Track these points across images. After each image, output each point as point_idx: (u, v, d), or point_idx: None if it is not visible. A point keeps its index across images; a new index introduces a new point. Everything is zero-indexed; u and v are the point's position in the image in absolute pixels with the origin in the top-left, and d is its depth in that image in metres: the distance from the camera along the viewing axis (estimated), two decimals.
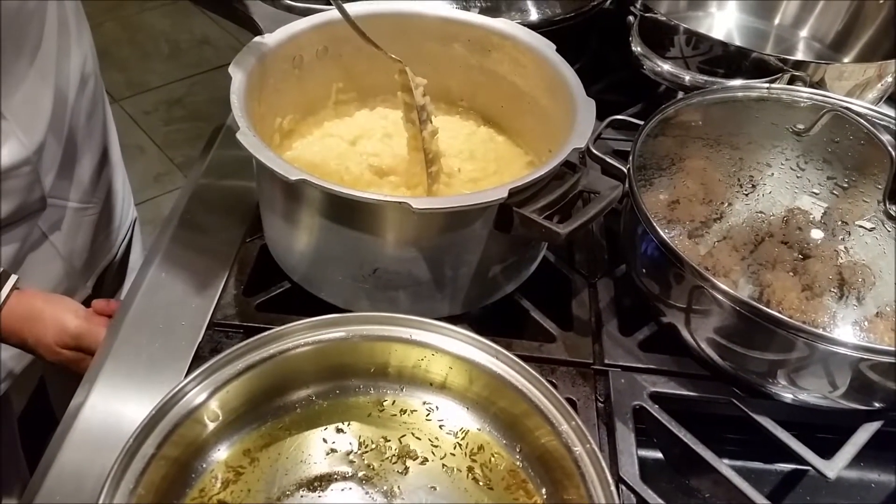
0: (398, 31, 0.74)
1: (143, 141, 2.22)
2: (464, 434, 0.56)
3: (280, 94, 0.70)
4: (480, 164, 0.73)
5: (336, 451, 0.55)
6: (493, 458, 0.55)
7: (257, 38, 0.67)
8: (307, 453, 0.55)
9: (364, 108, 0.79)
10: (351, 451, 0.55)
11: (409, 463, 0.55)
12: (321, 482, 0.53)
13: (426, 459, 0.55)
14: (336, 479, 0.53)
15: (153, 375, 0.61)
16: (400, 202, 0.54)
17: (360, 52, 0.72)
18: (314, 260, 0.65)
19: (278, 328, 0.54)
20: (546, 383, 0.53)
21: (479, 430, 0.57)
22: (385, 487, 0.53)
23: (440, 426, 0.57)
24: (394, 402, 0.58)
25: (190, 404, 0.50)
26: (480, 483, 0.54)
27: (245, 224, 0.74)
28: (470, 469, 0.54)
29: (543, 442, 0.53)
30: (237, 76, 0.62)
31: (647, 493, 0.57)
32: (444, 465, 0.55)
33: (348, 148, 0.74)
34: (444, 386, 0.58)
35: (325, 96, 0.77)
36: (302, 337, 0.54)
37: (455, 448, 0.56)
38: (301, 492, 0.52)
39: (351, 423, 0.56)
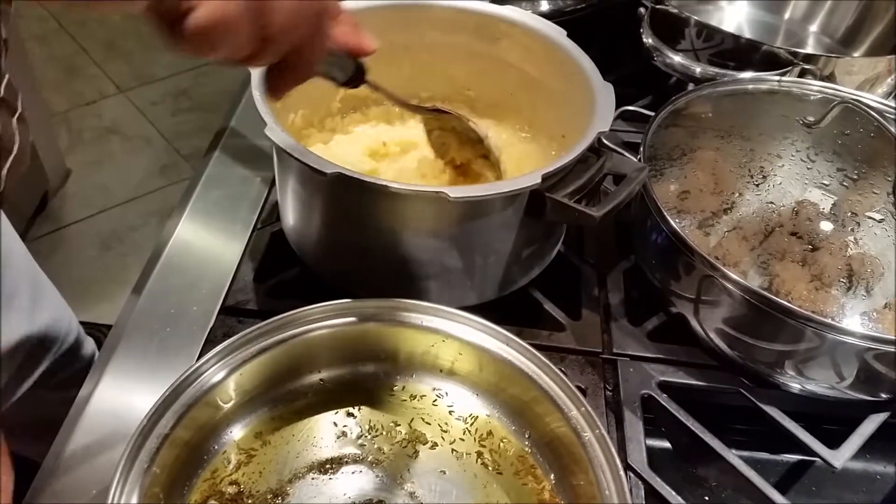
0: (404, 21, 0.74)
1: (149, 132, 2.22)
2: (473, 420, 0.57)
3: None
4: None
5: (346, 435, 0.55)
6: (502, 444, 0.55)
7: None
8: (318, 436, 0.55)
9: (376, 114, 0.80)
10: (361, 435, 0.56)
11: (418, 447, 0.55)
12: (332, 465, 0.54)
13: (436, 444, 0.55)
14: (346, 462, 0.54)
15: (165, 360, 0.62)
16: (437, 192, 0.54)
17: None
18: (344, 254, 0.65)
19: (293, 312, 0.54)
20: (556, 370, 0.54)
21: (489, 416, 0.57)
22: (395, 471, 0.54)
23: (450, 412, 0.57)
24: (404, 387, 0.58)
25: (205, 385, 0.51)
26: (490, 468, 0.54)
27: (255, 212, 0.75)
28: (479, 454, 0.55)
29: (553, 428, 0.53)
30: (256, 71, 0.63)
31: (655, 481, 0.57)
32: (453, 449, 0.55)
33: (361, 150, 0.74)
34: (453, 372, 0.58)
35: (335, 90, 0.77)
36: (316, 321, 0.55)
37: (464, 433, 0.56)
38: (312, 474, 0.53)
39: (361, 407, 0.57)
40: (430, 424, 0.56)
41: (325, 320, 0.55)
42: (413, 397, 0.58)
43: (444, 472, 0.54)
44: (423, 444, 0.55)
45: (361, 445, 0.55)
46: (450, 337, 0.56)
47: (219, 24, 0.34)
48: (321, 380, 0.57)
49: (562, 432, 0.52)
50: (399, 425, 0.56)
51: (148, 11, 0.35)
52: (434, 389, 0.58)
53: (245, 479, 0.52)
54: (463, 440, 0.56)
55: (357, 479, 0.53)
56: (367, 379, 0.58)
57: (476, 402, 0.58)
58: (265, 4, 0.36)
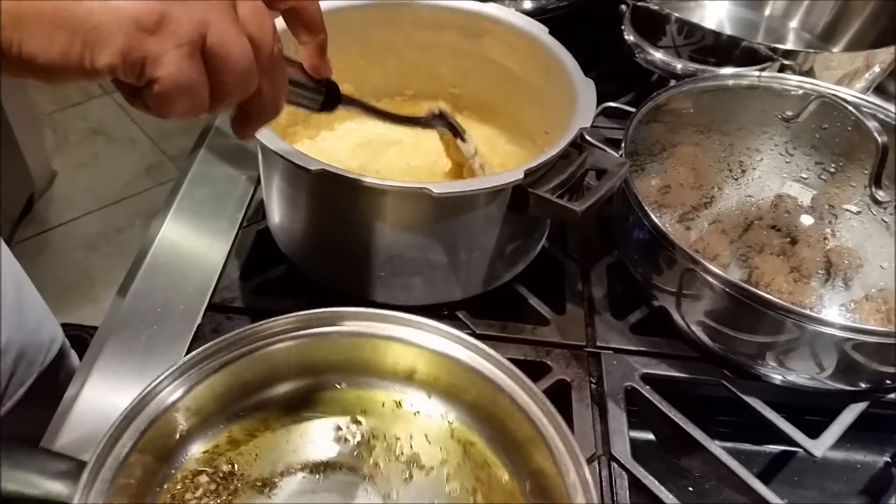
0: (388, 19, 0.75)
1: (134, 133, 2.21)
2: (471, 445, 0.55)
3: None
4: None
5: (348, 441, 0.55)
6: (493, 478, 0.54)
7: None
8: (319, 438, 0.55)
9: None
10: (361, 444, 0.55)
11: (414, 471, 0.54)
12: (325, 469, 0.54)
13: (432, 469, 0.54)
14: (340, 470, 0.54)
15: (152, 358, 0.62)
16: (420, 188, 0.55)
17: (352, 39, 0.73)
18: (330, 252, 0.65)
19: (254, 326, 0.54)
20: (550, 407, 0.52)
21: (486, 444, 0.55)
22: (387, 489, 0.53)
23: (451, 433, 0.56)
24: (412, 403, 0.57)
25: (164, 403, 0.50)
26: None
27: (241, 210, 0.75)
28: (474, 491, 0.54)
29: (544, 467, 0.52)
30: None
31: (639, 471, 0.58)
32: (448, 479, 0.54)
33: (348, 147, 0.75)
34: (450, 393, 0.57)
35: None
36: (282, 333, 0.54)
37: (462, 460, 0.55)
38: (304, 473, 0.53)
39: (368, 416, 0.56)
40: (430, 444, 0.56)
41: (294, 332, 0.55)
42: (417, 413, 0.57)
43: None
44: (420, 469, 0.54)
45: (359, 456, 0.55)
46: (431, 351, 0.56)
47: (180, 92, 0.36)
48: (336, 384, 0.57)
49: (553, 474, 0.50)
50: (400, 439, 0.56)
51: (112, 79, 0.36)
52: (443, 411, 0.57)
53: (241, 458, 0.52)
54: (460, 467, 0.54)
55: (345, 490, 0.53)
56: (377, 389, 0.57)
57: (474, 424, 0.56)
58: (218, 64, 0.37)
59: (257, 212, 0.75)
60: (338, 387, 0.57)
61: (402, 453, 0.55)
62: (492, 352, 0.54)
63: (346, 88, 0.78)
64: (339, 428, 0.56)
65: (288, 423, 0.55)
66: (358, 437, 0.56)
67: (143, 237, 0.73)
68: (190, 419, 0.52)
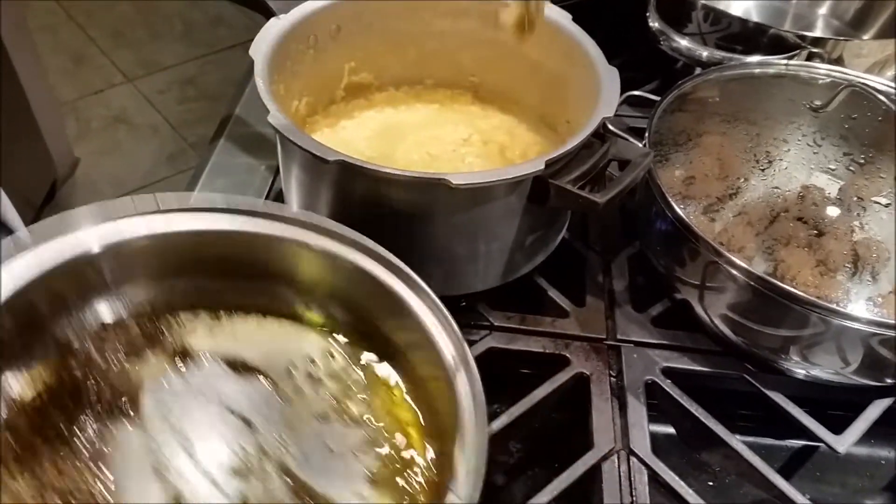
0: (408, 7, 0.74)
1: (156, 120, 2.23)
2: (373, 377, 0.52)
3: (296, 77, 0.70)
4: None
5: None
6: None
7: (273, 19, 0.67)
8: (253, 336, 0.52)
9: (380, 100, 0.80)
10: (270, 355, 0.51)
11: (303, 382, 0.51)
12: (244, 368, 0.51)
13: (319, 380, 0.51)
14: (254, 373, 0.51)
15: None
16: (438, 178, 0.54)
17: (371, 28, 0.73)
18: None
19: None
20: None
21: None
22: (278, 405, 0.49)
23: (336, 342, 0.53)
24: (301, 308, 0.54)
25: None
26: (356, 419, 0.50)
27: (261, 198, 0.75)
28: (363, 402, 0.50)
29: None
30: (259, 59, 0.62)
31: (659, 466, 0.57)
32: (329, 388, 0.51)
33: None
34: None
35: (339, 77, 0.77)
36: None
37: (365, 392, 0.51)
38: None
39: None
40: (334, 358, 0.52)
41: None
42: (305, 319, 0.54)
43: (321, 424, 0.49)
44: (310, 380, 0.51)
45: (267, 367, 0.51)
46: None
47: None
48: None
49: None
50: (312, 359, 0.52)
51: None
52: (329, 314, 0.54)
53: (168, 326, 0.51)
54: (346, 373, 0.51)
55: (246, 391, 0.50)
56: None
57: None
58: None
59: (276, 201, 0.75)
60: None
61: (298, 367, 0.52)
62: (381, 251, 0.52)
63: (365, 77, 0.79)
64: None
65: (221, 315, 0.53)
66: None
67: None
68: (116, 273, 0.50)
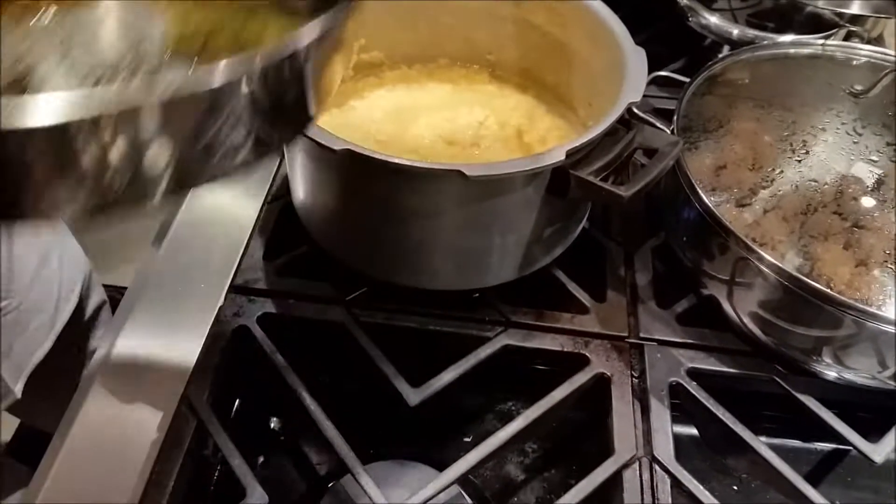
0: None
1: None
2: None
3: None
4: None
5: None
6: None
7: None
8: None
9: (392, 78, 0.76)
10: None
11: None
12: None
13: None
14: None
15: (172, 341, 0.60)
16: (453, 169, 0.50)
17: (381, 3, 0.69)
18: (356, 232, 0.62)
19: None
20: None
21: None
22: None
23: None
24: None
25: None
26: None
27: (266, 186, 0.72)
28: None
29: None
30: None
31: (682, 474, 0.54)
32: None
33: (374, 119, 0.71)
34: None
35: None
36: None
37: None
38: None
39: None
40: None
41: None
42: None
43: None
44: None
45: None
46: None
47: None
48: None
49: None
50: None
51: None
52: None
53: None
54: None
55: None
56: None
57: None
58: None
59: (282, 187, 0.72)
60: None
61: None
62: None
63: (375, 56, 0.75)
64: None
65: None
66: None
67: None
68: None
